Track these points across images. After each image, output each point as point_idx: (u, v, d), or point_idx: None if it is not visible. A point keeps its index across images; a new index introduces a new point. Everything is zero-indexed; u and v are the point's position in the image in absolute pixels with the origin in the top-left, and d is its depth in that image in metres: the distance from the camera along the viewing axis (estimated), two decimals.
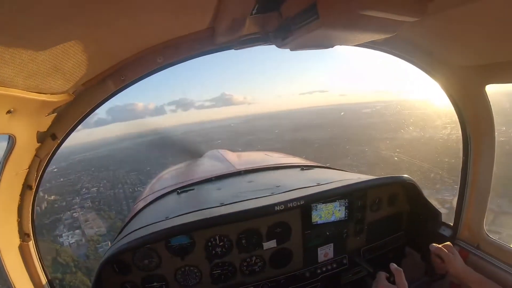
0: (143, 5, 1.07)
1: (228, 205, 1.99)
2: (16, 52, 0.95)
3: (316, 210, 2.10)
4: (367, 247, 2.34)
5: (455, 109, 1.89)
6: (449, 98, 1.88)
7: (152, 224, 1.91)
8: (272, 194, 2.10)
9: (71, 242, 36.35)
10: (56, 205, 50.80)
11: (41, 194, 57.94)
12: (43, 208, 49.35)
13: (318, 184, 2.18)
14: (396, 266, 1.51)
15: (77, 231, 38.91)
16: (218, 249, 2.00)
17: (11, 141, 1.40)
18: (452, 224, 2.10)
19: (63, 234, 38.94)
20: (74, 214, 45.61)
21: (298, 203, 1.92)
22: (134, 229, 1.95)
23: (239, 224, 1.99)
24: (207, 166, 3.80)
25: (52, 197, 54.11)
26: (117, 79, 1.47)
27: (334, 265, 2.25)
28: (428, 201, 2.22)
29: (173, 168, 4.41)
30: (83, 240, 36.89)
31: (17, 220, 1.71)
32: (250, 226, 2.02)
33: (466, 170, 1.87)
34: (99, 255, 32.03)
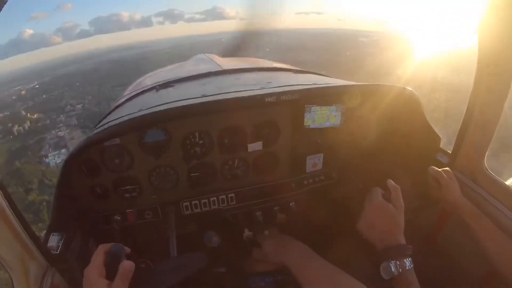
0: None
1: (211, 96, 1.73)
2: None
3: (310, 112, 1.90)
4: (358, 161, 2.16)
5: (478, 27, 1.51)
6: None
7: (122, 117, 1.69)
8: (263, 88, 1.82)
9: (57, 162, 34.34)
10: (39, 124, 48.25)
11: (22, 113, 56.03)
12: (26, 127, 46.92)
13: (315, 84, 1.92)
14: (393, 183, 1.40)
15: (63, 150, 36.93)
16: (197, 148, 1.80)
17: None
18: (450, 152, 1.92)
19: (49, 155, 37.02)
20: (59, 133, 43.20)
21: (292, 97, 1.71)
22: (102, 124, 1.87)
23: (222, 119, 1.76)
24: (192, 66, 3.57)
25: (35, 116, 51.48)
26: None
27: (322, 178, 2.14)
28: (428, 123, 2.02)
29: (156, 70, 3.90)
30: None
31: None
32: (234, 123, 1.80)
33: (476, 94, 1.62)
34: None
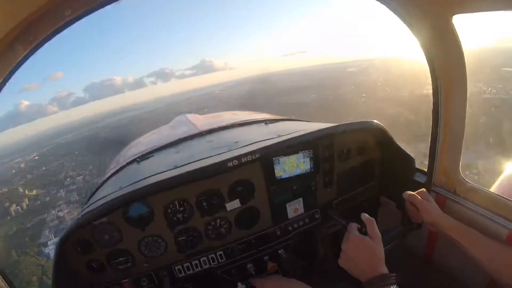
0: None
1: (181, 167, 1.93)
2: None
3: (279, 163, 2.01)
4: (339, 199, 2.28)
5: (422, 48, 1.70)
6: (415, 35, 1.68)
7: (106, 196, 1.87)
8: (230, 150, 2.02)
9: None
10: (38, 202, 45.91)
11: (20, 190, 53.91)
12: (25, 207, 44.48)
13: (279, 136, 2.08)
14: (367, 216, 1.44)
15: None
16: (179, 215, 1.93)
17: None
18: (426, 170, 2.02)
19: (49, 242, 34.08)
20: (59, 212, 40.59)
21: (254, 157, 1.83)
22: (90, 204, 1.97)
23: (196, 185, 1.88)
24: (171, 131, 3.68)
25: (34, 192, 49.27)
26: (25, 40, 1.26)
27: (306, 220, 2.20)
28: (400, 147, 2.13)
29: (140, 138, 4.19)
30: None
31: None
32: (208, 187, 1.93)
33: (438, 111, 1.74)
34: None
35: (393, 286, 1.14)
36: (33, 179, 57.03)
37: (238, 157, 1.79)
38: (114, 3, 1.32)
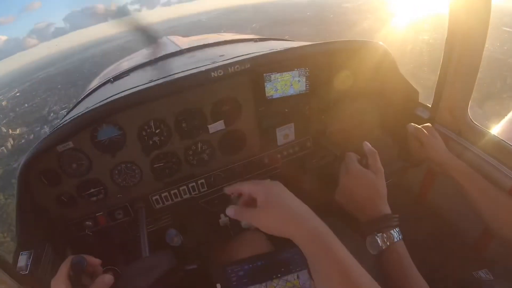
0: None
1: (158, 80, 1.66)
2: None
3: (270, 81, 1.80)
4: (333, 127, 2.12)
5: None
6: None
7: (72, 117, 1.60)
8: (214, 63, 1.70)
9: None
10: (23, 141, 43.53)
11: (3, 129, 51.61)
12: (9, 147, 42.08)
13: (271, 50, 1.80)
14: (370, 146, 1.27)
15: None
16: (156, 138, 1.73)
17: None
18: (430, 106, 1.85)
19: None
20: None
21: (242, 67, 1.62)
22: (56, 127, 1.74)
23: (175, 103, 1.68)
24: (151, 52, 3.03)
25: (18, 130, 46.96)
26: None
27: (297, 149, 2.07)
28: (403, 76, 1.94)
29: (120, 60, 3.96)
30: None
31: None
32: (189, 106, 1.72)
33: (452, 41, 1.53)
34: None
35: (396, 229, 1.03)
36: (16, 117, 54.66)
37: (223, 67, 1.58)
38: None
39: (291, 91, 1.86)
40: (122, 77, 2.37)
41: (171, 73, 1.74)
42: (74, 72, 78.54)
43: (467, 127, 1.66)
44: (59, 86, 65.03)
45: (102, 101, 1.62)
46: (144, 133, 1.68)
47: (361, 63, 1.94)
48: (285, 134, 1.99)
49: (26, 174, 1.48)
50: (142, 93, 1.53)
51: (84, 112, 1.48)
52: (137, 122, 1.65)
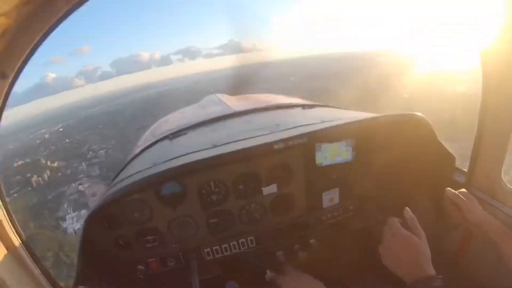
0: None
1: (221, 146, 1.89)
2: None
3: (321, 150, 1.96)
4: (375, 192, 2.21)
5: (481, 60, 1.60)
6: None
7: (139, 172, 1.85)
8: (272, 132, 1.97)
9: (76, 228, 29.59)
10: (60, 174, 45.11)
11: (43, 161, 53.49)
12: (46, 178, 43.62)
13: (323, 122, 2.04)
14: (410, 212, 1.38)
15: (83, 211, 31.99)
16: (214, 196, 1.87)
17: None
18: (467, 170, 1.92)
19: (67, 217, 32.52)
20: (80, 186, 39.07)
21: (300, 141, 1.80)
22: (121, 180, 1.94)
23: (235, 167, 1.83)
24: (203, 110, 3.56)
25: (56, 164, 48.59)
26: (51, 11, 1.17)
27: (340, 211, 2.15)
28: (441, 144, 2.05)
29: (169, 115, 3.95)
30: None
31: None
32: (247, 170, 1.86)
33: (485, 109, 1.66)
34: None
35: None
36: (56, 151, 56.94)
37: (284, 140, 1.76)
38: None
39: (339, 159, 2.00)
40: (180, 136, 2.50)
41: (233, 140, 1.94)
42: (116, 114, 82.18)
43: (502, 190, 1.72)
44: (100, 126, 68.09)
45: (167, 160, 1.83)
46: (204, 191, 1.82)
47: (403, 134, 2.10)
48: (330, 197, 2.09)
49: (95, 218, 1.63)
50: (209, 160, 1.67)
51: (154, 171, 1.66)
52: (199, 181, 1.79)
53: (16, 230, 1.38)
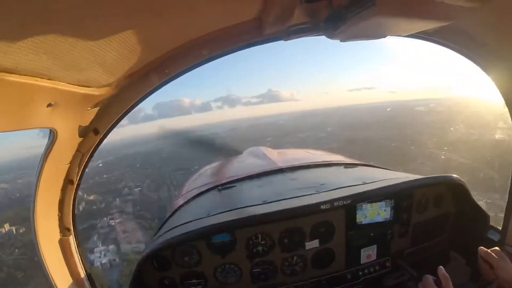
0: None
1: (271, 203, 1.97)
2: (57, 42, 0.91)
3: (361, 209, 2.04)
4: (411, 249, 2.27)
5: (508, 109, 1.76)
6: (503, 96, 1.77)
7: (193, 221, 1.95)
8: (317, 192, 2.07)
9: (103, 261, 29.22)
10: (94, 207, 45.57)
11: (80, 193, 55.81)
12: (81, 209, 44.25)
13: (364, 183, 2.12)
14: (444, 271, 1.47)
15: (111, 246, 31.96)
16: (260, 248, 1.97)
17: (52, 135, 1.35)
18: (500, 228, 2.00)
19: (95, 249, 32.16)
20: (111, 221, 39.21)
21: (344, 202, 1.89)
22: (175, 226, 2.01)
23: (282, 222, 1.94)
24: (248, 163, 3.81)
25: (92, 197, 49.63)
26: (161, 72, 1.40)
27: (377, 267, 2.20)
28: (476, 203, 2.12)
29: (213, 165, 4.35)
30: (117, 259, 29.94)
31: (58, 214, 1.73)
32: (293, 225, 1.98)
33: None
34: None
35: None
36: (94, 185, 58.61)
37: (331, 201, 1.86)
38: None
39: (378, 219, 2.09)
40: (229, 188, 2.66)
41: (281, 197, 2.03)
42: (153, 155, 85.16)
43: None
44: (137, 165, 70.07)
45: (222, 212, 1.93)
46: (251, 242, 1.93)
47: (439, 195, 2.16)
48: (368, 254, 2.17)
49: (149, 259, 1.71)
50: (260, 217, 1.78)
51: (210, 223, 1.75)
52: (247, 233, 1.90)
53: (82, 262, 1.55)
